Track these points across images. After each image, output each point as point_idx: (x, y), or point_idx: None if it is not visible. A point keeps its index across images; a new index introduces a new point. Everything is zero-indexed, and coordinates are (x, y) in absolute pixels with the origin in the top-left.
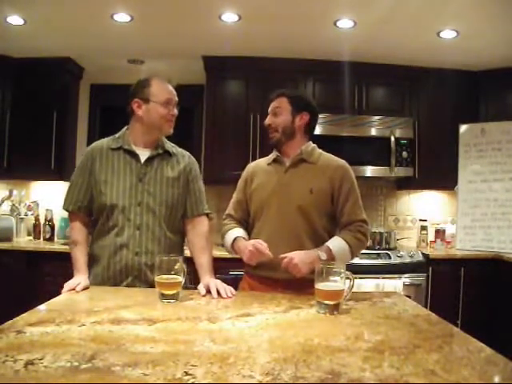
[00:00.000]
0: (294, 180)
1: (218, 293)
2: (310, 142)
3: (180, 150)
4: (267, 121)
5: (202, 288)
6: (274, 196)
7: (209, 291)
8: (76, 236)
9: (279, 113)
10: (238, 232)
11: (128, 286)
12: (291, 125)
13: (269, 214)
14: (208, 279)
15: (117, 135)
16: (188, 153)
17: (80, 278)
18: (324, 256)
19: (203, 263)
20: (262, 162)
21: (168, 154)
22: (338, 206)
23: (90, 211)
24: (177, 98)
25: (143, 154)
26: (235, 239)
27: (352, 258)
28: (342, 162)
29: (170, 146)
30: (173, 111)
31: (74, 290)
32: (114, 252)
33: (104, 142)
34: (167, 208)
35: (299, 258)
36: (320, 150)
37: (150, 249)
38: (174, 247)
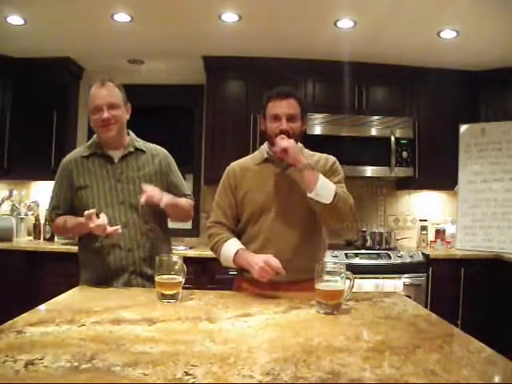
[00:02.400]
0: (294, 181)
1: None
2: (299, 143)
3: (152, 145)
4: (285, 126)
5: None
6: (275, 198)
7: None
8: (60, 220)
9: (295, 118)
10: (236, 244)
11: (125, 282)
12: (301, 129)
13: (267, 217)
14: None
15: (87, 144)
16: (160, 147)
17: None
18: (311, 165)
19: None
20: (248, 162)
21: (141, 151)
22: None
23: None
24: (114, 99)
25: (116, 155)
26: (237, 253)
27: (331, 207)
28: (329, 155)
29: (141, 143)
30: (102, 116)
31: (104, 229)
32: (107, 252)
33: (76, 152)
34: (149, 204)
35: (294, 145)
36: (307, 150)
37: (141, 243)
38: (163, 240)
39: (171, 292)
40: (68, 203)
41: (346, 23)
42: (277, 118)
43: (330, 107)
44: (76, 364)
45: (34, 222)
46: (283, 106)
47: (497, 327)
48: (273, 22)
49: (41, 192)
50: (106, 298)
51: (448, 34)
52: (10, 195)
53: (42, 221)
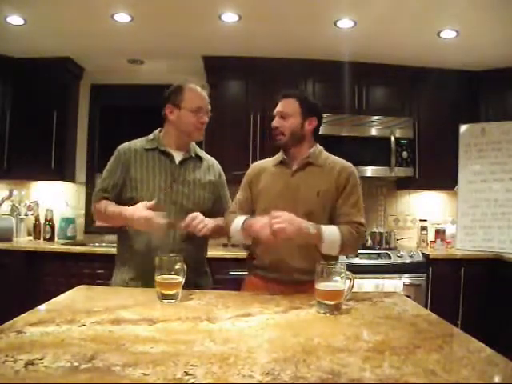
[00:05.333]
0: (301, 183)
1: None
2: (317, 145)
3: (208, 156)
4: (275, 123)
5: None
6: (281, 199)
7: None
8: (102, 205)
9: (288, 115)
10: (246, 217)
11: None
12: (300, 129)
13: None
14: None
15: (150, 137)
16: (213, 158)
17: (139, 206)
18: (312, 231)
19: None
20: (268, 162)
21: (199, 158)
22: (337, 205)
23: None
24: (209, 106)
25: (177, 156)
26: (245, 220)
27: (339, 253)
28: (349, 164)
29: (198, 150)
30: (203, 119)
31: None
32: (149, 251)
33: (136, 142)
34: (199, 209)
35: (288, 217)
36: (327, 153)
37: (183, 247)
38: (202, 246)
39: (171, 292)
40: (116, 189)
41: (345, 23)
42: (273, 117)
43: (330, 107)
44: (76, 364)
45: (34, 221)
46: (279, 106)
47: (497, 327)
48: (273, 22)
49: (41, 192)
50: (106, 297)
51: (448, 33)
52: (10, 195)
53: (42, 221)
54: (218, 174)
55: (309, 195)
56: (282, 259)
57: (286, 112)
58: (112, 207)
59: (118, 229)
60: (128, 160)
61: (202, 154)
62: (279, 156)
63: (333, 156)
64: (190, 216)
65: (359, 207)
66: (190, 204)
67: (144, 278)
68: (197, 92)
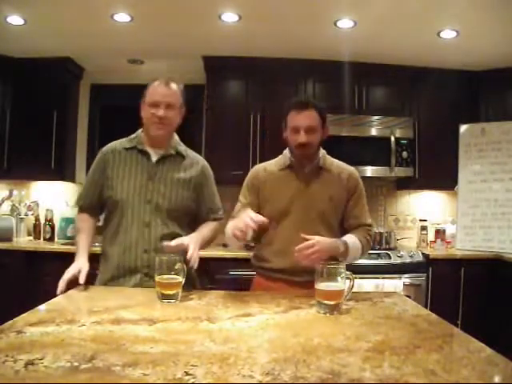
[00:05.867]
0: (313, 188)
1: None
2: (321, 149)
3: (194, 153)
4: (304, 139)
5: (178, 240)
6: (295, 204)
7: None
8: (79, 225)
9: (315, 130)
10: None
11: (137, 283)
12: (321, 139)
13: (286, 222)
14: (191, 236)
15: (132, 136)
16: (201, 157)
17: (79, 263)
18: (342, 249)
19: (199, 229)
20: (272, 166)
21: (181, 156)
22: (347, 208)
23: (97, 210)
24: (173, 100)
25: (155, 154)
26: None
27: (359, 258)
28: (353, 168)
29: (183, 148)
30: (159, 113)
31: (76, 281)
32: (124, 250)
33: (118, 142)
34: (176, 208)
35: (323, 245)
36: (330, 157)
37: (159, 246)
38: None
39: (171, 292)
40: (97, 191)
41: (345, 23)
42: (296, 130)
43: (329, 107)
44: (76, 364)
45: (33, 222)
46: (302, 119)
47: (497, 327)
48: (273, 22)
49: (41, 192)
50: (105, 297)
51: (448, 33)
52: (10, 195)
53: (42, 221)
54: (201, 170)
55: (322, 199)
56: (295, 262)
57: (314, 126)
58: (77, 240)
59: (104, 226)
60: (107, 160)
61: (187, 151)
62: (285, 159)
63: (335, 160)
64: (175, 242)
65: (366, 209)
66: (165, 203)
67: (119, 279)
68: (155, 87)
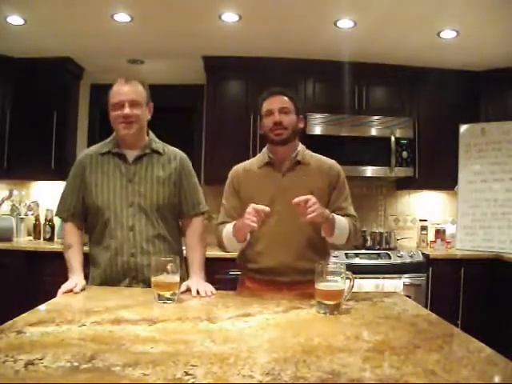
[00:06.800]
0: (293, 183)
1: (198, 292)
2: (300, 144)
3: (172, 148)
4: (277, 118)
5: (183, 286)
6: (277, 201)
7: (189, 290)
8: (69, 240)
9: (289, 111)
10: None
11: (126, 287)
12: (296, 125)
13: (271, 220)
14: (192, 278)
15: (107, 140)
16: (180, 151)
17: (76, 279)
18: (329, 215)
19: (193, 261)
20: (251, 165)
21: (157, 153)
22: (331, 200)
23: (82, 217)
24: (136, 96)
25: (130, 155)
26: (234, 225)
27: (345, 243)
28: (333, 161)
29: (159, 145)
30: (124, 112)
31: (71, 291)
32: (110, 256)
33: (93, 148)
34: (158, 208)
35: (316, 200)
36: (309, 151)
37: (145, 249)
38: (170, 246)
39: (168, 293)
40: (80, 203)
41: (345, 23)
42: (270, 112)
43: (330, 107)
44: (76, 364)
45: (34, 221)
46: (275, 101)
47: (497, 327)
48: (273, 22)
49: (41, 192)
50: (105, 298)
51: (448, 33)
52: (10, 195)
53: (42, 221)
54: (180, 163)
55: (303, 194)
56: (281, 261)
57: (287, 107)
58: (69, 256)
59: (88, 231)
60: (83, 168)
61: (163, 147)
62: (264, 157)
63: (315, 154)
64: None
65: (350, 202)
66: (147, 203)
67: (108, 283)
68: (117, 87)
